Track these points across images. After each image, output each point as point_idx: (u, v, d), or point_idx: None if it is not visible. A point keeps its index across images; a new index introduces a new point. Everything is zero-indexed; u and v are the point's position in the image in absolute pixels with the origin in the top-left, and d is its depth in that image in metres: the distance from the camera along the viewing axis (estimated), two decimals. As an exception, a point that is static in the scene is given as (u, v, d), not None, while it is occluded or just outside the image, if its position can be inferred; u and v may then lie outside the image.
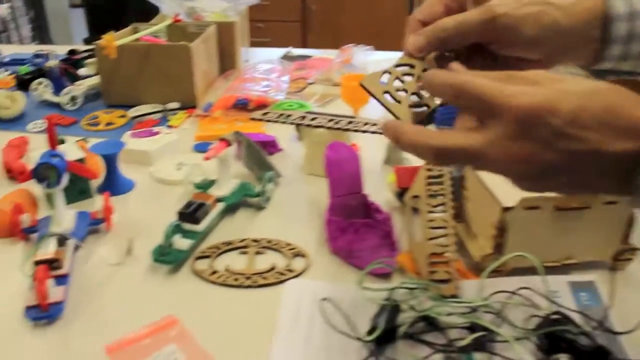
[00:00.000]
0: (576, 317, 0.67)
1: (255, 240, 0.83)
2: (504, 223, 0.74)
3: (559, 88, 0.41)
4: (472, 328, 0.65)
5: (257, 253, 0.81)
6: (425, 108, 0.55)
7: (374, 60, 1.63)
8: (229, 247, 0.82)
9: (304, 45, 3.70)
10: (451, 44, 0.55)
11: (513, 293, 0.71)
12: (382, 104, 0.55)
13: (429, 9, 0.56)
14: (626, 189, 0.42)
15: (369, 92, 0.55)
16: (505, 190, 0.75)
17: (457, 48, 0.56)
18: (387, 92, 0.55)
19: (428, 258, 0.78)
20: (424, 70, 0.56)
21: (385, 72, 0.56)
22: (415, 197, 0.85)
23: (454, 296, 0.72)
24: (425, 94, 0.55)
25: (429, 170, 0.85)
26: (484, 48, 0.56)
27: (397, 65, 0.56)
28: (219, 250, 0.81)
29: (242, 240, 0.83)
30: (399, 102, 0.54)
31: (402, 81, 0.56)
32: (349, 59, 1.54)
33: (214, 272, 0.76)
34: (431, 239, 0.82)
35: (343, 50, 1.60)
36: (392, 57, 1.74)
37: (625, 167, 0.40)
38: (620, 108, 0.40)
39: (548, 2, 0.53)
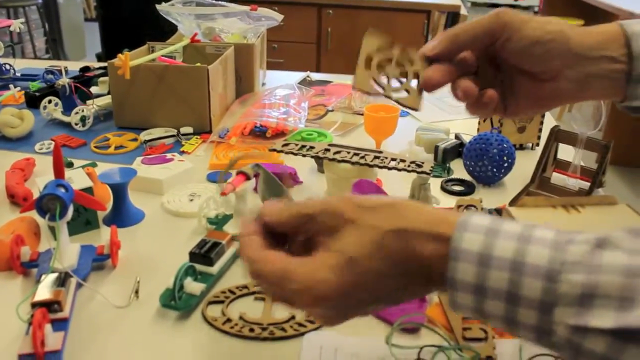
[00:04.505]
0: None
1: None
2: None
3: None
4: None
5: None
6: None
7: (395, 88, 1.57)
8: (244, 291, 0.75)
9: (318, 67, 3.66)
10: (462, 42, 0.56)
11: (556, 357, 0.65)
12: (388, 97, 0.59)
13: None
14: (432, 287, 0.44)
15: (365, 92, 0.60)
16: None
17: (468, 56, 0.57)
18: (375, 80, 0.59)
19: (461, 313, 0.72)
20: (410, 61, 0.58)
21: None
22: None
23: (489, 357, 0.66)
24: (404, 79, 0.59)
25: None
26: (494, 62, 0.58)
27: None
28: (234, 295, 0.74)
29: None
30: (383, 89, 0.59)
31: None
32: (370, 87, 1.48)
33: (228, 321, 0.69)
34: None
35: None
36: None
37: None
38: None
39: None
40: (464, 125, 1.36)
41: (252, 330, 0.68)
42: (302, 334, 0.68)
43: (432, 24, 4.13)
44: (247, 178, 0.84)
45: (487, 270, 0.40)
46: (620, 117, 3.53)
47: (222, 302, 0.73)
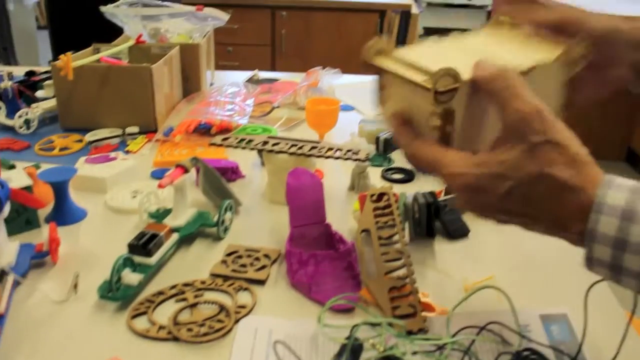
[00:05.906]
0: (549, 353, 0.64)
1: (187, 284, 0.76)
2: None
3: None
4: (439, 369, 0.62)
5: (196, 297, 0.74)
6: None
7: (341, 84, 1.60)
8: (161, 297, 0.74)
9: (274, 69, 3.67)
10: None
11: (482, 328, 0.68)
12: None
13: None
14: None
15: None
16: None
17: None
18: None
19: (388, 294, 0.73)
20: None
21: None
22: (365, 231, 0.79)
23: (421, 330, 0.68)
24: None
25: (375, 202, 0.81)
26: None
27: None
28: (153, 304, 0.73)
29: (172, 287, 0.76)
30: None
31: None
32: (315, 83, 1.51)
33: (161, 328, 0.68)
34: (388, 273, 0.77)
35: (309, 74, 1.56)
36: (359, 80, 1.72)
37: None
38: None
39: None
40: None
41: (190, 329, 0.68)
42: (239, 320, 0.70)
43: (386, 23, 4.18)
44: (185, 171, 0.85)
45: (630, 224, 0.42)
46: (581, 115, 3.61)
47: (144, 313, 0.72)
